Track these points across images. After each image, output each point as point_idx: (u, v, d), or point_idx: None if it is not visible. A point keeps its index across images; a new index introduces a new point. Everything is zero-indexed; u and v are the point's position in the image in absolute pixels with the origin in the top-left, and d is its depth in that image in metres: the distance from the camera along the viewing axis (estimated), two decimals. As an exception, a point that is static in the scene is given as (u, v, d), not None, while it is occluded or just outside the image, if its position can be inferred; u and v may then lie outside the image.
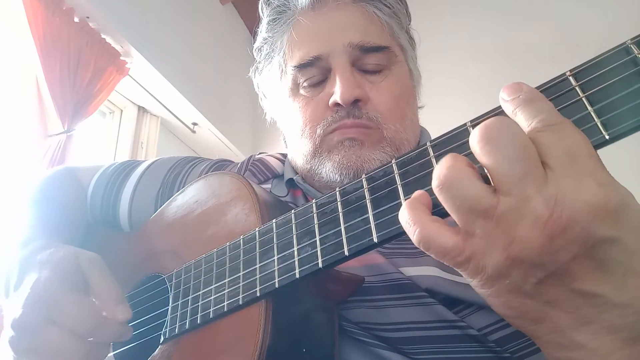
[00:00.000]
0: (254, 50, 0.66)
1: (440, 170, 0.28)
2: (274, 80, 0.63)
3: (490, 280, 0.28)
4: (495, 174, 0.27)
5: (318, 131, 0.55)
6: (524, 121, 0.27)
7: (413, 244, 0.50)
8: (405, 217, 0.30)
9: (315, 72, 0.57)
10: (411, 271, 0.47)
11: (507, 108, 0.29)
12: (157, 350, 0.48)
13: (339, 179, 0.54)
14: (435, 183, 0.28)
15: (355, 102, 0.54)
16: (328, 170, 0.55)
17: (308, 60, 0.56)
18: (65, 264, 0.48)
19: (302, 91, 0.58)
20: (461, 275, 0.46)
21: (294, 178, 0.61)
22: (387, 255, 0.49)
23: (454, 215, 0.28)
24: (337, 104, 0.54)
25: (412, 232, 0.30)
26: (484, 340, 0.43)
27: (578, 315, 0.27)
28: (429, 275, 0.46)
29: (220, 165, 0.70)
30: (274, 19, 0.61)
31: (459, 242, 0.28)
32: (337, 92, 0.53)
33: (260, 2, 0.64)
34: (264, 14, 0.63)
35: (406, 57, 0.62)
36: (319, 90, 0.57)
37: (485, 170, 0.28)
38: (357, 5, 0.58)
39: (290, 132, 0.61)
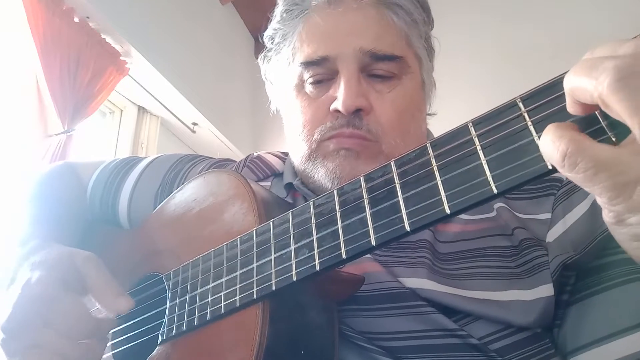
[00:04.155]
0: (264, 37, 0.64)
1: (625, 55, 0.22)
2: (281, 71, 0.62)
3: None
4: None
5: (315, 135, 0.54)
6: None
7: (411, 252, 0.50)
8: (549, 135, 0.25)
9: (321, 71, 0.55)
10: (409, 282, 0.47)
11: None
12: (155, 351, 0.47)
13: (330, 187, 0.53)
14: (616, 75, 0.21)
15: (357, 111, 0.52)
16: (321, 176, 0.54)
17: (315, 59, 0.54)
18: (59, 264, 0.47)
19: (306, 89, 0.56)
20: (455, 287, 0.46)
21: (294, 183, 0.59)
22: (386, 264, 0.49)
23: (629, 119, 0.21)
24: (338, 111, 0.53)
25: (557, 146, 0.24)
26: (485, 350, 0.42)
27: None
28: (423, 288, 0.46)
29: (222, 164, 0.70)
30: (288, 9, 0.59)
31: (623, 155, 0.22)
32: (339, 98, 0.52)
33: None
34: (280, 1, 0.61)
35: (421, 68, 0.59)
36: (323, 90, 0.55)
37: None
38: (375, 9, 0.55)
39: (290, 128, 0.60)
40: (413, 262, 0.49)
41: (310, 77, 0.55)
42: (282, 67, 0.61)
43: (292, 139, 0.59)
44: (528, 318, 0.43)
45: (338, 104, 0.52)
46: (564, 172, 0.24)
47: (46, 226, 0.58)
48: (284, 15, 0.59)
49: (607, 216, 0.25)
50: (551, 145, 0.24)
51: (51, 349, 0.42)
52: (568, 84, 0.24)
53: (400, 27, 0.55)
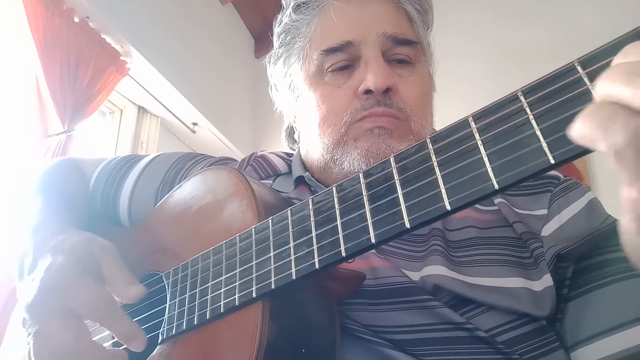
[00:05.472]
0: (274, 35, 0.65)
1: None
2: (293, 68, 0.62)
3: None
4: None
5: (345, 119, 0.54)
6: None
7: (420, 245, 0.50)
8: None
9: (344, 57, 0.56)
10: (416, 274, 0.47)
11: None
12: (155, 350, 0.47)
13: (364, 168, 0.53)
14: None
15: (386, 91, 0.53)
16: (353, 159, 0.53)
17: (339, 45, 0.55)
18: (79, 250, 0.47)
19: (326, 78, 0.57)
20: (463, 274, 0.46)
21: (304, 176, 0.60)
22: (392, 258, 0.49)
23: None
24: (367, 92, 0.53)
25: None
26: (493, 342, 0.42)
27: None
28: (437, 274, 0.46)
29: (223, 163, 0.69)
30: (303, 2, 0.60)
31: None
32: (370, 78, 0.52)
33: None
34: None
35: (427, 60, 0.62)
36: (345, 77, 0.56)
37: None
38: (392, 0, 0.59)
39: (308, 123, 0.59)
40: (423, 253, 0.49)
41: (331, 65, 0.56)
42: (294, 63, 0.61)
43: (310, 133, 0.59)
44: (542, 310, 0.43)
45: (369, 84, 0.53)
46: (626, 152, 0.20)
47: (55, 216, 0.57)
48: (300, 8, 0.60)
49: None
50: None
51: (62, 334, 0.41)
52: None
53: (414, 19, 0.59)
